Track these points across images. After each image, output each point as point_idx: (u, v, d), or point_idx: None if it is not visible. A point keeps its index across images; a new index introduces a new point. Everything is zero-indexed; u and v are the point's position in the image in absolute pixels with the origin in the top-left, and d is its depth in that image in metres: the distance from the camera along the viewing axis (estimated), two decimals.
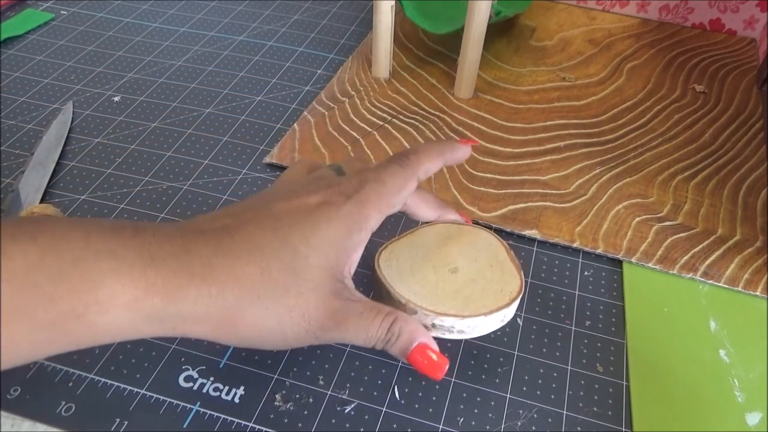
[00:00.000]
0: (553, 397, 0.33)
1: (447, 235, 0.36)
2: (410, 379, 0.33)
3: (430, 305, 0.31)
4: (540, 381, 0.33)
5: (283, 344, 0.28)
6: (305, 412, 0.31)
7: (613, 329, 0.36)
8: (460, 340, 0.35)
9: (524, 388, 0.33)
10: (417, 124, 0.49)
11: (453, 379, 0.33)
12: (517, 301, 0.32)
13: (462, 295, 0.32)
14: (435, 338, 0.34)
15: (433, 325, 0.31)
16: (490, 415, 0.32)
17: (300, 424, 0.31)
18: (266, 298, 0.26)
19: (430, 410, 0.32)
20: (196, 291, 0.25)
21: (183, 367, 0.33)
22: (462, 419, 0.31)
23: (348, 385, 0.32)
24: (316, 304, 0.27)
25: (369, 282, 0.38)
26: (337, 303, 0.28)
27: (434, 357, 0.29)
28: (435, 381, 0.33)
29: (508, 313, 0.32)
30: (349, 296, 0.29)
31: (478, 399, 0.32)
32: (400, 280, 0.32)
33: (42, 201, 0.41)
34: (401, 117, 0.49)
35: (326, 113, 0.49)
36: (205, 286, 0.25)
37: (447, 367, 0.29)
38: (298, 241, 0.27)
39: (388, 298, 0.32)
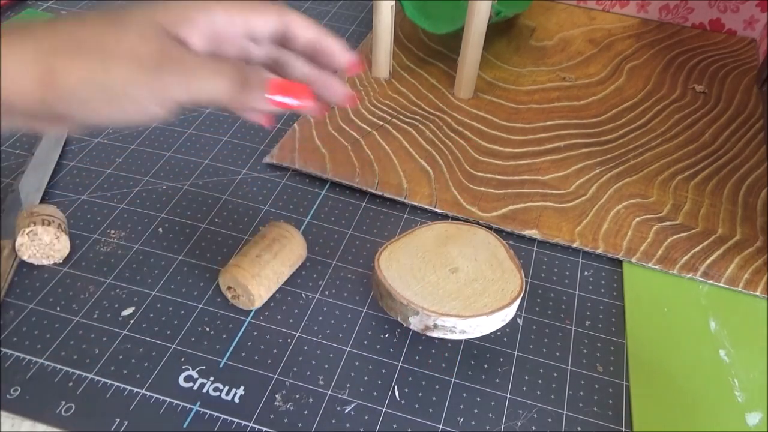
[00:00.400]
0: (553, 397, 0.33)
1: (446, 235, 0.36)
2: (410, 379, 0.33)
3: (431, 306, 0.31)
4: (540, 381, 0.33)
5: (124, 86, 0.26)
6: (305, 412, 0.31)
7: (613, 329, 0.36)
8: (460, 340, 0.35)
9: (524, 388, 0.33)
10: (417, 123, 0.49)
11: (453, 379, 0.33)
12: (518, 300, 0.32)
13: (463, 295, 0.32)
14: (437, 338, 0.34)
15: (435, 326, 0.31)
16: (490, 415, 0.32)
17: (300, 424, 0.31)
18: (87, 44, 0.26)
19: (430, 410, 0.32)
20: (22, 47, 0.25)
21: (183, 367, 0.33)
22: (462, 419, 0.31)
23: (348, 385, 0.32)
24: (145, 42, 0.26)
25: (369, 282, 0.38)
26: (173, 48, 0.27)
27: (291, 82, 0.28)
28: (434, 378, 0.33)
29: (509, 312, 0.32)
30: (188, 50, 0.27)
31: (478, 399, 0.32)
32: (401, 281, 0.32)
33: (42, 201, 0.41)
34: (401, 117, 0.49)
35: (326, 113, 0.49)
36: (31, 41, 0.25)
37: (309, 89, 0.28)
38: (131, 7, 0.27)
39: (389, 298, 0.32)
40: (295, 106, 0.28)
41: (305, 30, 0.31)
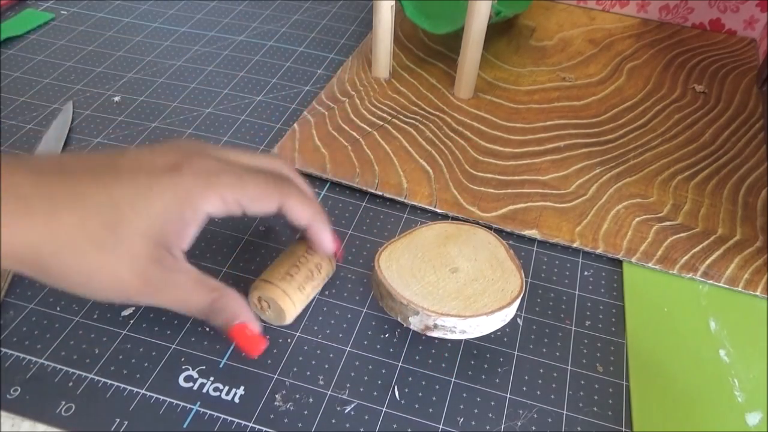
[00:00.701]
0: (553, 397, 0.33)
1: (446, 234, 0.36)
2: (410, 379, 0.33)
3: (431, 306, 0.31)
4: (540, 381, 0.33)
5: (101, 297, 0.29)
6: (305, 412, 0.31)
7: (613, 329, 0.36)
8: (460, 340, 0.35)
9: (524, 388, 0.33)
10: (417, 124, 0.49)
11: (453, 379, 0.33)
12: (518, 300, 0.32)
13: (463, 295, 0.32)
14: (437, 338, 0.34)
15: (435, 326, 0.31)
16: (490, 415, 0.32)
17: (300, 424, 0.31)
18: (78, 250, 0.26)
19: (430, 410, 0.32)
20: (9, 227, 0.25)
21: (183, 367, 0.33)
22: (462, 419, 0.31)
23: (348, 385, 0.32)
24: (131, 269, 0.27)
25: (369, 282, 0.38)
26: (156, 271, 0.28)
27: (253, 335, 0.30)
28: (434, 378, 0.33)
29: (509, 312, 0.32)
30: (173, 267, 0.29)
31: (478, 399, 0.32)
32: (401, 281, 0.32)
33: None
34: (401, 117, 0.49)
35: (326, 113, 0.49)
36: (20, 223, 0.26)
37: (264, 347, 0.30)
38: (125, 203, 0.27)
39: (389, 298, 0.32)
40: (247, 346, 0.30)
41: (298, 215, 0.32)
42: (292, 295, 0.32)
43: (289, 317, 0.33)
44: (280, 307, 0.32)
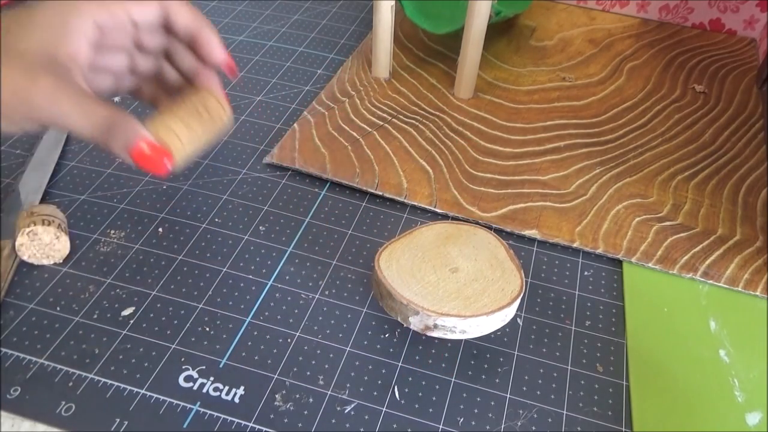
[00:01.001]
0: (553, 397, 0.33)
1: (446, 234, 0.36)
2: (410, 379, 0.33)
3: (431, 306, 0.31)
4: (540, 381, 0.33)
5: (11, 114, 0.29)
6: (305, 412, 0.31)
7: (613, 329, 0.36)
8: (460, 340, 0.35)
9: (524, 388, 0.33)
10: (417, 124, 0.49)
11: (453, 379, 0.33)
12: (518, 300, 0.32)
13: (463, 295, 0.32)
14: (437, 338, 0.34)
15: (435, 326, 0.31)
16: (490, 415, 0.32)
17: (300, 424, 0.31)
18: None
19: (430, 410, 0.32)
20: None
21: (183, 367, 0.33)
22: (462, 419, 0.31)
23: (348, 385, 0.32)
24: (25, 75, 0.28)
25: (369, 282, 0.38)
26: (49, 77, 0.28)
27: (156, 148, 0.29)
28: (434, 378, 0.33)
29: (509, 312, 0.32)
30: (67, 76, 0.29)
31: (478, 399, 0.32)
32: (401, 281, 0.32)
33: (42, 201, 0.41)
34: (401, 117, 0.49)
35: (326, 113, 0.49)
36: None
37: (170, 161, 0.30)
38: (14, 24, 0.29)
39: (389, 298, 0.32)
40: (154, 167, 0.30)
41: (183, 17, 0.32)
42: (174, 126, 0.31)
43: (179, 158, 0.31)
44: (164, 141, 0.30)
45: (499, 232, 0.41)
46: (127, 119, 0.29)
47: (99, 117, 0.29)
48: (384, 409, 0.31)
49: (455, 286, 0.32)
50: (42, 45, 0.29)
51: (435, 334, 0.32)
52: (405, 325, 0.32)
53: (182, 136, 0.31)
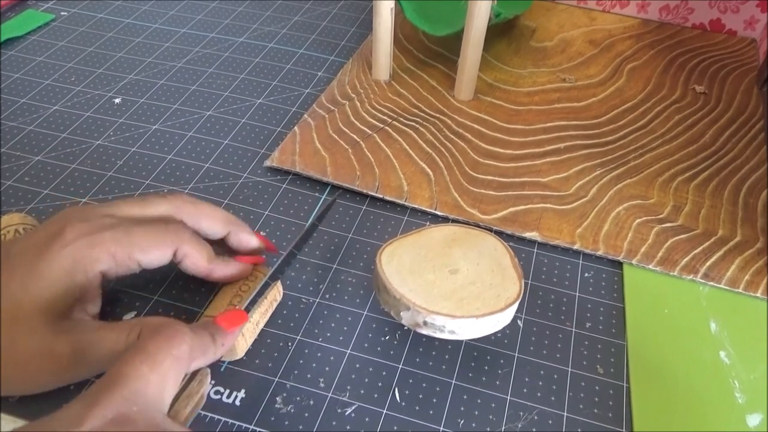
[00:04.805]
0: (553, 398, 0.33)
1: (453, 237, 0.36)
2: (411, 381, 0.33)
3: (423, 303, 0.31)
4: (540, 383, 0.33)
5: (31, 386, 0.29)
6: (306, 415, 0.31)
7: (614, 331, 0.36)
8: (461, 342, 0.35)
9: (525, 390, 0.33)
10: (417, 126, 0.49)
11: (453, 381, 0.33)
12: (513, 308, 0.32)
13: (457, 296, 0.32)
14: (437, 340, 0.34)
15: (425, 323, 0.31)
16: (490, 416, 0.32)
17: (301, 427, 0.31)
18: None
19: (431, 412, 0.32)
20: None
21: None
22: (462, 421, 0.31)
23: (348, 387, 0.33)
24: (39, 346, 0.27)
25: (369, 285, 0.38)
26: (64, 340, 0.27)
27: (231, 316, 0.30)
28: (434, 380, 0.33)
29: (502, 319, 0.32)
30: (82, 328, 0.28)
31: (479, 401, 0.32)
32: (398, 277, 0.32)
33: (42, 203, 0.41)
34: (401, 119, 0.49)
35: (326, 116, 0.49)
36: None
37: (244, 317, 0.30)
38: (16, 286, 0.27)
39: (384, 292, 0.32)
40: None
41: (196, 260, 0.32)
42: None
43: (240, 351, 0.32)
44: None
45: (499, 234, 0.41)
46: (159, 324, 0.27)
47: (125, 339, 0.27)
48: (385, 411, 0.32)
49: (451, 287, 0.32)
50: (52, 304, 0.28)
51: (424, 331, 0.32)
52: (397, 320, 0.32)
53: (246, 333, 0.32)
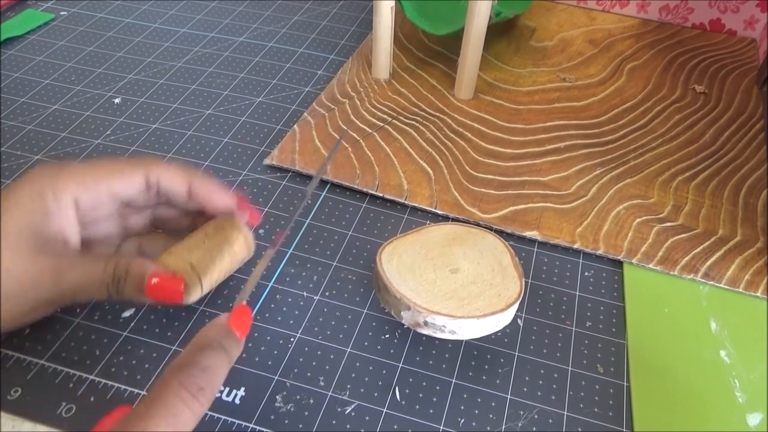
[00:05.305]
0: (553, 397, 0.33)
1: (453, 236, 0.36)
2: (411, 380, 0.33)
3: (424, 303, 0.31)
4: (541, 382, 0.33)
5: (16, 304, 0.29)
6: (306, 413, 0.31)
7: (614, 330, 0.36)
8: (461, 341, 0.35)
9: (525, 389, 0.33)
10: (417, 125, 0.49)
11: (454, 380, 0.33)
12: (514, 308, 0.32)
13: (458, 296, 0.32)
14: (438, 339, 0.34)
15: (425, 323, 0.31)
16: (490, 415, 0.32)
17: (300, 425, 0.31)
18: None
19: (431, 411, 0.32)
20: None
21: None
22: (463, 420, 0.31)
23: (348, 386, 0.32)
24: (20, 263, 0.28)
25: (369, 283, 0.38)
26: (45, 259, 0.29)
27: (169, 281, 0.29)
28: (434, 379, 0.33)
29: (503, 319, 0.32)
30: (61, 251, 0.29)
31: (479, 400, 0.32)
32: (399, 276, 0.32)
33: None
34: (401, 118, 0.49)
35: (326, 114, 0.49)
36: None
37: (182, 287, 0.30)
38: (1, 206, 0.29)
39: (384, 291, 0.32)
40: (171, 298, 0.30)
41: (174, 179, 0.32)
42: (187, 255, 0.31)
43: (195, 295, 0.31)
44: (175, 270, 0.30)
45: (499, 233, 0.41)
46: (132, 263, 0.30)
47: (105, 272, 0.29)
48: (385, 410, 0.32)
49: (452, 286, 0.32)
50: (29, 226, 0.29)
51: (425, 331, 0.32)
52: (398, 320, 0.32)
53: (195, 261, 0.31)
